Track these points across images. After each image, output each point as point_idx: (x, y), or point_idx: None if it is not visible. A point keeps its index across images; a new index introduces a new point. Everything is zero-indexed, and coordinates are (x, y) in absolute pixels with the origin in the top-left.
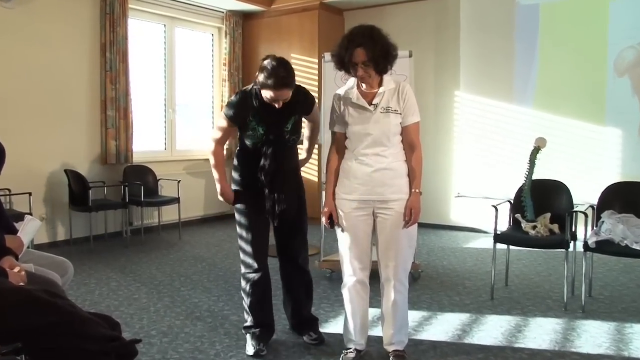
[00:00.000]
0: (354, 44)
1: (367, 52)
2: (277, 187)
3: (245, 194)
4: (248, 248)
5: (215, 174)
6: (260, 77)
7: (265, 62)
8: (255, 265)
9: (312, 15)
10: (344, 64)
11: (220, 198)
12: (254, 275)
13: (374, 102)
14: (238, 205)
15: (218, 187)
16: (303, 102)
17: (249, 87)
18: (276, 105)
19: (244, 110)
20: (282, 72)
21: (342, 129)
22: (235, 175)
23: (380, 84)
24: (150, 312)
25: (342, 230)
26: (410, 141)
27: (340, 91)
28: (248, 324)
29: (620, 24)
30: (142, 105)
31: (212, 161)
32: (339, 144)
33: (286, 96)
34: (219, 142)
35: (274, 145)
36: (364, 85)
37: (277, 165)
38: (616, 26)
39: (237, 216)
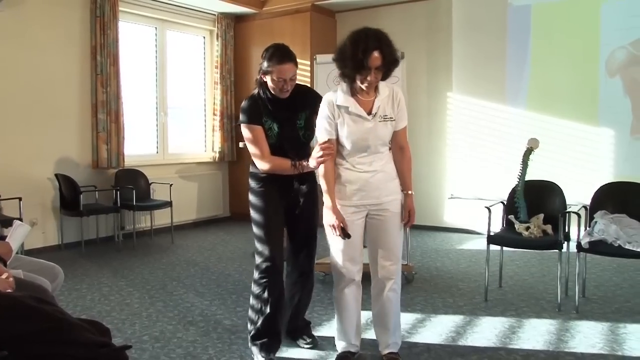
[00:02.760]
0: (372, 47)
1: (382, 57)
2: (296, 179)
3: (265, 196)
4: (266, 251)
5: (283, 167)
6: (264, 63)
7: (263, 52)
8: (273, 269)
9: (304, 17)
10: (358, 67)
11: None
12: (270, 280)
13: (373, 111)
14: (256, 217)
15: (287, 167)
16: (308, 96)
17: (254, 91)
18: (284, 91)
19: (257, 111)
20: (282, 47)
21: (334, 134)
22: (253, 183)
23: (375, 91)
24: (143, 317)
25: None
26: (400, 144)
27: (333, 99)
28: (255, 332)
29: (612, 25)
30: (134, 109)
31: (280, 170)
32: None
33: (292, 72)
34: (266, 155)
35: (289, 142)
36: (359, 92)
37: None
38: (608, 27)
39: (258, 214)
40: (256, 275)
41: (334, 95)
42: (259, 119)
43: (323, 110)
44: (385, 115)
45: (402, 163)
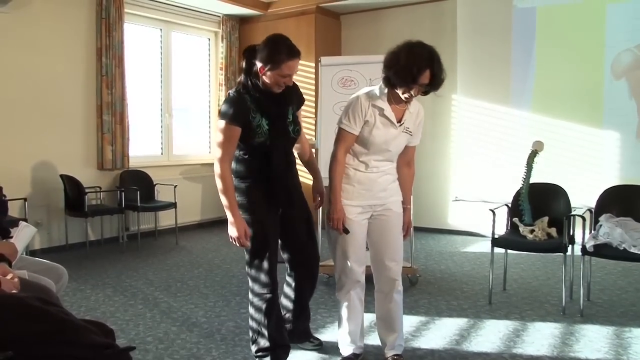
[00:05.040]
0: (426, 65)
1: (432, 77)
2: (288, 176)
3: (258, 206)
4: (265, 264)
5: (226, 201)
6: (267, 58)
7: (263, 43)
8: (272, 282)
9: (308, 19)
10: (408, 81)
11: (233, 233)
12: (270, 294)
13: (402, 121)
14: (248, 219)
15: (232, 218)
16: (294, 90)
17: (237, 87)
18: (282, 87)
19: (244, 107)
20: (287, 40)
21: (358, 131)
22: (240, 196)
23: (407, 103)
24: (147, 319)
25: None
26: (409, 159)
27: (370, 95)
28: (263, 346)
29: (617, 27)
30: (139, 110)
31: (220, 186)
32: (349, 146)
33: (296, 69)
34: (226, 159)
35: (280, 138)
36: (395, 100)
37: (287, 157)
38: (613, 29)
39: (249, 256)
40: (256, 289)
41: (370, 93)
42: (245, 117)
43: (356, 103)
44: (408, 128)
45: (407, 178)
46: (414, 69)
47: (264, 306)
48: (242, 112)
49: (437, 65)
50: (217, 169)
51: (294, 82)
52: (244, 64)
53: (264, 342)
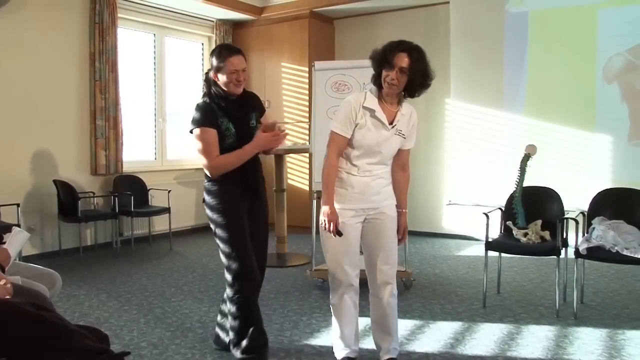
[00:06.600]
0: (401, 48)
1: (410, 61)
2: (256, 173)
3: (232, 202)
4: (244, 258)
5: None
6: (214, 63)
7: (210, 57)
8: (255, 278)
9: (302, 23)
10: (382, 62)
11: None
12: (252, 290)
13: (394, 122)
14: (222, 221)
15: None
16: (255, 98)
17: (202, 99)
18: (239, 83)
19: (212, 113)
20: (227, 44)
21: (350, 134)
22: (210, 199)
23: (399, 104)
24: (141, 324)
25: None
26: (404, 163)
27: (361, 98)
28: (245, 346)
29: (609, 32)
30: (132, 115)
31: (229, 162)
32: (341, 149)
33: (244, 64)
34: (215, 156)
35: (246, 140)
36: (385, 100)
37: (254, 157)
38: (605, 33)
39: (223, 231)
40: (237, 286)
41: (361, 96)
42: (214, 121)
43: (347, 105)
44: (400, 130)
45: (402, 182)
46: (387, 50)
47: (243, 303)
48: (212, 117)
49: (417, 53)
50: (218, 168)
51: (254, 93)
52: (204, 84)
53: (245, 343)
